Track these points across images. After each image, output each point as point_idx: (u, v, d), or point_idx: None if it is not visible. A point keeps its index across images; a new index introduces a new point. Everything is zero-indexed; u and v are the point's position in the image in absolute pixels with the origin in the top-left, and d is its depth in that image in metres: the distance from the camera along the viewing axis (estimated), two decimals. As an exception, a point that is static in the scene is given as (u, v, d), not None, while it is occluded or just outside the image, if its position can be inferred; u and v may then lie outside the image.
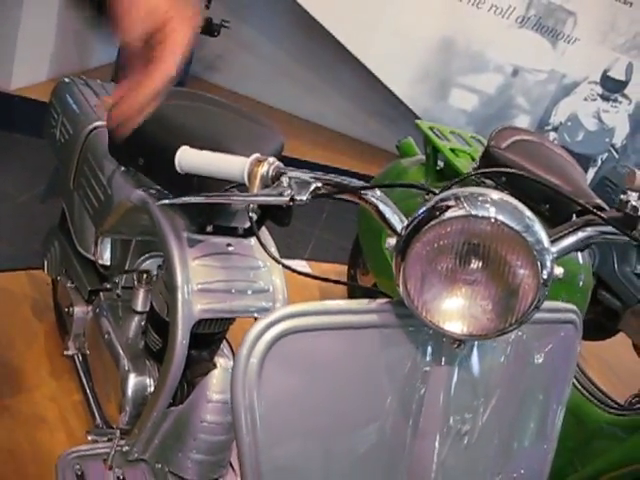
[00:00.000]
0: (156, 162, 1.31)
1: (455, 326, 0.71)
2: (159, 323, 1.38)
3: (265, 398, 0.68)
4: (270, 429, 0.69)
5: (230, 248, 1.33)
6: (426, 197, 1.97)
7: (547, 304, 0.95)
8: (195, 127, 1.31)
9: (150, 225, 1.35)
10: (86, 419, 1.70)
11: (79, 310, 1.68)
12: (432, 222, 0.69)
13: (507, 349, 0.85)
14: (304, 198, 0.85)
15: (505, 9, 4.20)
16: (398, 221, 0.80)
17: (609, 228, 0.89)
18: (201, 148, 1.00)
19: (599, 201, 1.70)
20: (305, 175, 0.89)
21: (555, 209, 1.87)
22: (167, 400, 1.29)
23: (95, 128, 1.61)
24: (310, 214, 3.63)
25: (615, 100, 4.61)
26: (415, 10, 4.11)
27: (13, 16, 3.42)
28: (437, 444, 0.78)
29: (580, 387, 1.74)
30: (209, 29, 4.06)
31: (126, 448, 1.36)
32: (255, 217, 1.15)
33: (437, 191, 0.77)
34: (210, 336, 1.35)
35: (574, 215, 1.84)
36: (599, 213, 0.87)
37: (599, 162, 4.73)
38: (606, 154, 4.72)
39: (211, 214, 1.33)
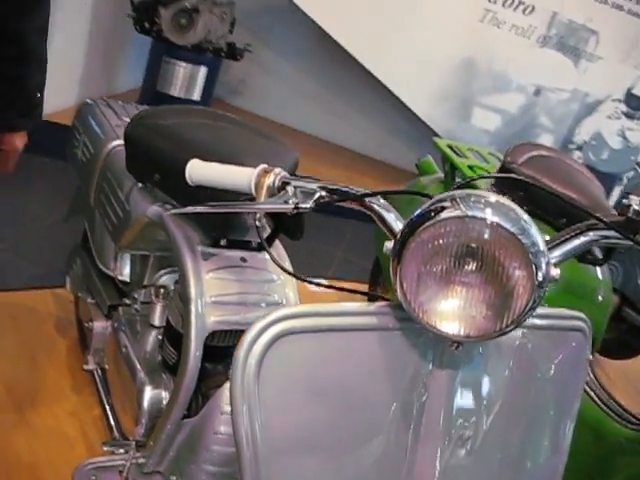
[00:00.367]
0: (170, 177, 1.34)
1: (451, 327, 0.71)
2: (175, 336, 1.39)
3: (264, 400, 0.69)
4: (270, 432, 0.70)
5: (244, 262, 1.35)
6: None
7: (553, 311, 0.95)
8: (208, 143, 1.33)
9: (167, 240, 1.37)
10: (105, 433, 1.72)
11: (99, 325, 1.70)
12: (427, 223, 0.70)
13: (511, 355, 0.85)
14: (308, 206, 0.87)
15: (526, 29, 4.21)
16: (400, 227, 0.81)
17: (612, 233, 0.88)
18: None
19: (615, 213, 1.69)
20: (310, 184, 0.90)
21: (572, 223, 1.86)
22: (181, 412, 1.30)
23: (115, 147, 1.65)
24: (333, 235, 3.65)
25: (640, 118, 4.58)
26: (435, 31, 4.14)
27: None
28: (439, 449, 0.78)
29: (599, 402, 1.71)
30: (232, 53, 4.14)
31: (142, 460, 1.38)
32: (266, 229, 1.17)
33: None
34: (224, 349, 1.37)
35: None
36: (601, 217, 0.87)
37: (625, 180, 4.68)
38: (632, 172, 4.67)
39: (225, 228, 1.35)
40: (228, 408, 1.31)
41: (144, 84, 4.11)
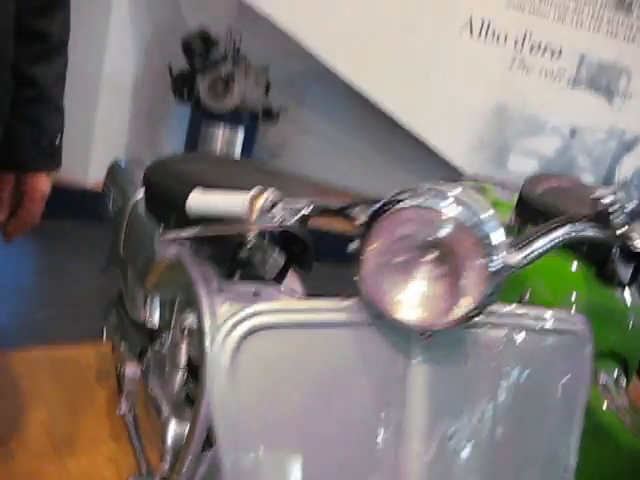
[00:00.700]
0: (186, 217, 1.41)
1: (412, 315, 0.74)
2: (195, 370, 1.44)
3: (237, 394, 0.72)
4: (245, 427, 0.73)
5: (256, 295, 1.39)
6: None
7: (549, 312, 0.96)
8: (220, 184, 1.41)
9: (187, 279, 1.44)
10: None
11: (130, 370, 1.76)
12: (386, 214, 0.73)
13: (496, 353, 0.86)
14: (291, 222, 0.92)
15: (555, 71, 4.25)
16: None
17: (586, 227, 0.90)
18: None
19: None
20: (299, 202, 0.94)
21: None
22: (199, 444, 1.33)
23: (141, 198, 1.75)
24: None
25: (681, 152, 4.51)
26: (465, 81, 4.21)
27: (88, 112, 3.75)
28: (422, 444, 0.79)
29: (633, 428, 1.66)
30: (268, 115, 4.30)
31: (167, 495, 1.41)
32: (277, 262, 1.21)
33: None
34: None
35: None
36: (577, 213, 0.89)
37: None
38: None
39: (239, 263, 1.41)
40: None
41: (185, 148, 4.30)
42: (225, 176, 1.46)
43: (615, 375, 1.82)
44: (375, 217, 0.75)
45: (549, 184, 2.02)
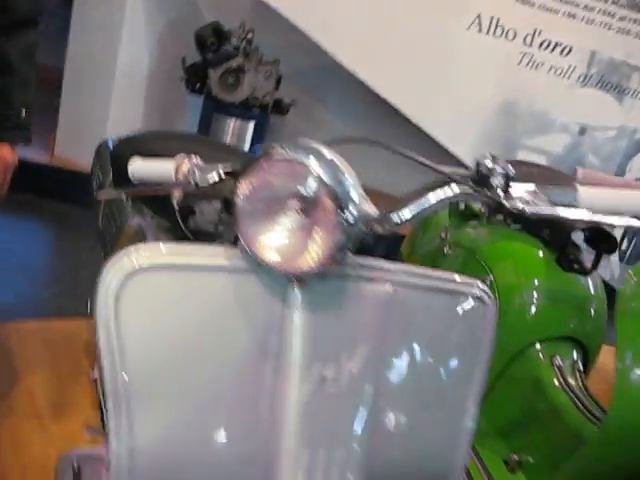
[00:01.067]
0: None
1: (277, 259, 0.82)
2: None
3: (123, 336, 0.80)
4: (131, 371, 0.81)
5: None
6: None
7: (448, 274, 1.02)
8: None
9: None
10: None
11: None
12: (256, 164, 0.81)
13: (380, 306, 0.92)
14: (204, 185, 1.00)
15: (565, 69, 4.25)
16: None
17: (466, 189, 0.96)
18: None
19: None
20: (214, 167, 1.02)
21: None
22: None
23: (118, 175, 1.85)
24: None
25: (696, 151, 4.47)
26: (474, 77, 4.23)
27: (103, 102, 3.90)
28: (298, 387, 0.86)
29: (582, 408, 1.70)
30: (278, 109, 4.40)
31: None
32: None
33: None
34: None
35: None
36: (454, 175, 0.95)
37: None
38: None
39: (191, 231, 1.50)
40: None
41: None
42: (177, 149, 1.54)
43: (574, 359, 1.85)
44: (247, 167, 0.83)
45: (519, 172, 2.05)
